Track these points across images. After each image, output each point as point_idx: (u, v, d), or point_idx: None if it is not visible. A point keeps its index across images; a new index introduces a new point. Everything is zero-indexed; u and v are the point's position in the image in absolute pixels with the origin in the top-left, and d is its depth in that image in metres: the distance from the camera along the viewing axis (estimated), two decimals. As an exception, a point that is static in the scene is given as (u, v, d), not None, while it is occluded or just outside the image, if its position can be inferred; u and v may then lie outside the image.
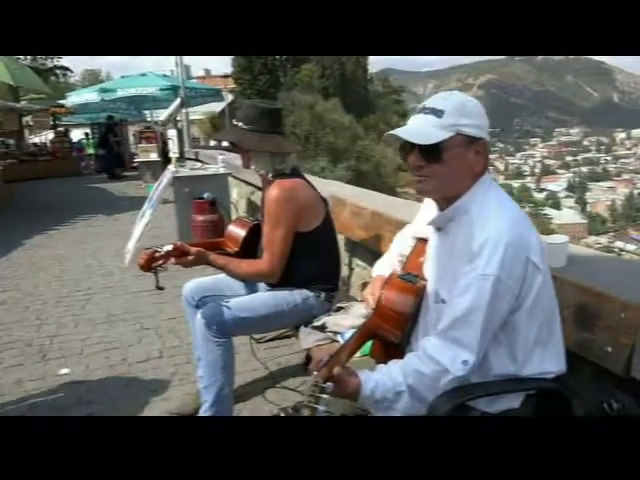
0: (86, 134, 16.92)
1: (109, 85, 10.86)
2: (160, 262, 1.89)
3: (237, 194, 5.90)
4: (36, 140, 18.65)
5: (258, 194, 5.29)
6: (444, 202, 1.22)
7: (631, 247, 46.98)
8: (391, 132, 1.18)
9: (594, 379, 1.39)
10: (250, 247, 2.22)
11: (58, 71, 25.04)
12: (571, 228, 53.08)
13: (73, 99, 11.65)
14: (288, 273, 2.02)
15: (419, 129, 1.15)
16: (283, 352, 2.87)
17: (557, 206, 69.95)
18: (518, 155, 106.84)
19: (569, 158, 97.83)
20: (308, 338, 1.99)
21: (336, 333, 1.97)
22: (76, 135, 17.75)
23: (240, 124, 1.98)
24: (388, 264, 1.55)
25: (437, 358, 1.13)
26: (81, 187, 11.34)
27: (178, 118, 9.26)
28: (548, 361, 1.18)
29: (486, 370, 1.17)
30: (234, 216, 5.05)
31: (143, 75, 11.54)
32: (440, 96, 1.19)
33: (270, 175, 2.01)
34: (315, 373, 1.12)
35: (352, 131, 24.04)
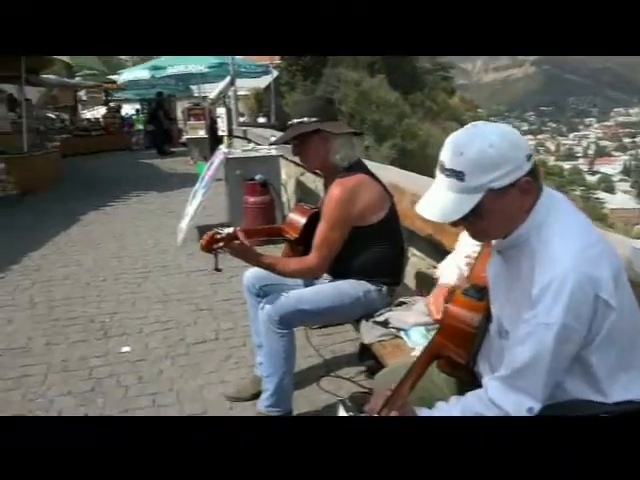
0: (137, 110, 17.30)
1: (159, 62, 10.96)
2: (221, 244, 1.89)
3: (286, 174, 5.89)
4: (88, 115, 19.20)
5: (308, 175, 5.27)
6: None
7: (690, 235, 44.48)
8: (420, 213, 1.07)
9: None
10: (309, 234, 2.20)
11: (110, 47, 25.50)
12: (624, 213, 50.68)
13: (125, 76, 11.88)
14: (350, 264, 1.99)
15: (444, 202, 1.04)
16: (336, 340, 2.87)
17: (611, 190, 66.81)
18: (571, 135, 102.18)
19: (626, 140, 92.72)
20: (370, 333, 1.97)
21: (399, 329, 1.94)
22: (126, 111, 18.17)
23: (305, 119, 1.93)
24: (454, 268, 1.48)
25: (500, 404, 1.07)
26: (132, 162, 11.66)
27: (228, 95, 9.28)
28: (636, 384, 1.09)
29: (561, 396, 1.10)
30: (284, 197, 5.06)
31: (192, 52, 11.59)
32: (455, 148, 1.04)
33: (341, 167, 1.97)
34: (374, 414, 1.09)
35: (398, 109, 23.49)
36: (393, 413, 1.09)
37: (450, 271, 1.48)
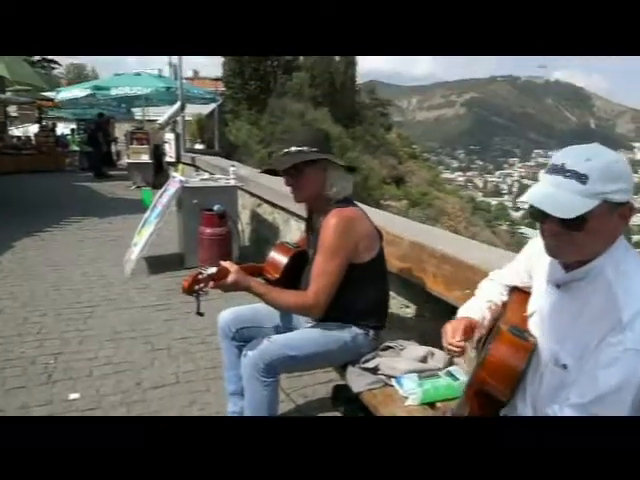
0: (72, 129, 16.50)
1: (103, 83, 10.60)
2: (202, 285, 1.75)
3: (241, 205, 5.75)
4: (17, 133, 18.09)
5: (265, 207, 5.17)
6: (575, 263, 1.13)
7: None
8: (532, 203, 1.07)
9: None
10: (291, 275, 2.10)
11: (45, 63, 24.46)
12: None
13: (63, 95, 11.33)
14: (337, 307, 1.90)
15: (561, 198, 1.04)
16: (306, 382, 2.73)
17: (533, 225, 71.22)
18: (497, 173, 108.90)
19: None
20: (359, 380, 1.88)
21: (390, 377, 1.86)
22: (60, 130, 17.29)
23: (305, 148, 1.85)
24: (477, 309, 1.45)
25: None
26: (67, 185, 11.01)
27: (176, 120, 9.08)
28: None
29: None
30: (240, 228, 4.91)
31: (137, 75, 11.31)
32: (581, 154, 1.07)
33: (334, 200, 1.90)
34: None
35: (341, 142, 24.03)
36: None
37: (472, 309, 1.45)
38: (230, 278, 1.78)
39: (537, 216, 1.10)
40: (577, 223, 1.05)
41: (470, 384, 1.25)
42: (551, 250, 1.13)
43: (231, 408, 2.14)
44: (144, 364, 2.92)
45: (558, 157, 1.09)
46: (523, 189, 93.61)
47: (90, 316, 3.59)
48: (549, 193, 1.07)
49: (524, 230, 64.71)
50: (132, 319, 3.55)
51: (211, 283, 1.76)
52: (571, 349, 1.11)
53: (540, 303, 1.24)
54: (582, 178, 1.04)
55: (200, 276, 1.74)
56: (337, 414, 2.45)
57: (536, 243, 1.36)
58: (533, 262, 1.33)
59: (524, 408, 1.21)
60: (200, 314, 1.77)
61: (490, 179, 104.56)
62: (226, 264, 1.81)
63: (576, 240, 1.07)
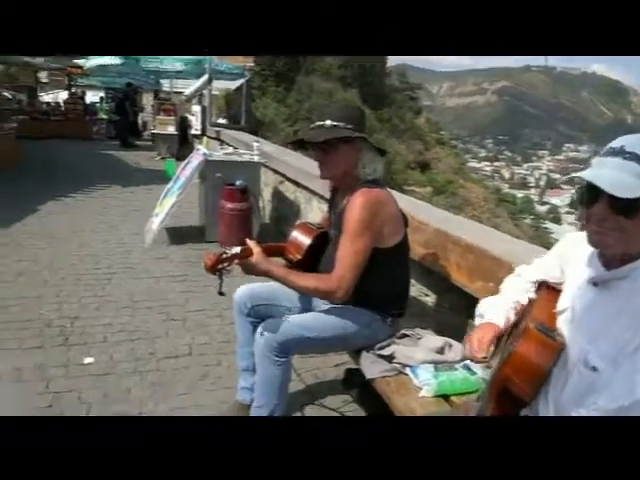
0: (101, 98, 16.61)
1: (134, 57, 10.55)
2: (226, 264, 1.72)
3: (263, 182, 5.72)
4: (47, 99, 18.29)
5: (287, 185, 5.12)
6: (617, 259, 1.06)
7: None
8: (589, 179, 1.01)
9: None
10: (313, 256, 2.06)
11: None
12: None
13: (94, 61, 11.35)
14: (357, 291, 1.84)
15: (620, 178, 0.98)
16: (317, 364, 2.71)
17: (558, 221, 70.01)
18: (525, 165, 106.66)
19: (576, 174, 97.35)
20: (373, 367, 1.84)
21: (405, 365, 1.82)
22: (89, 98, 17.42)
23: (341, 124, 1.78)
24: (502, 311, 1.38)
25: None
26: (93, 152, 11.12)
27: (203, 93, 9.03)
28: None
29: None
30: (261, 205, 4.88)
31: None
32: None
33: (363, 179, 1.84)
34: None
35: (369, 123, 23.78)
36: None
37: (497, 312, 1.38)
38: (252, 259, 1.74)
39: (586, 198, 1.03)
40: (630, 208, 0.98)
41: (493, 382, 1.19)
42: (595, 239, 1.06)
43: (242, 384, 2.13)
44: (158, 333, 2.93)
45: (616, 142, 1.04)
46: (551, 183, 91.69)
47: (108, 283, 3.62)
48: (606, 173, 1.00)
49: (548, 225, 63.55)
50: (149, 288, 3.57)
51: (235, 261, 1.73)
52: (604, 351, 1.05)
53: (573, 301, 1.17)
54: None
55: (224, 255, 1.71)
56: (347, 397, 2.43)
57: (571, 238, 1.29)
58: (567, 258, 1.26)
59: (545, 410, 1.15)
60: (221, 294, 1.74)
61: (517, 171, 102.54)
62: (250, 243, 1.78)
63: (625, 228, 1.01)
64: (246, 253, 1.73)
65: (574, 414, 1.06)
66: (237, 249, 1.72)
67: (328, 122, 1.78)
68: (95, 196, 6.59)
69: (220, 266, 1.69)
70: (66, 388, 2.35)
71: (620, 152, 1.01)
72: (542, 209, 76.26)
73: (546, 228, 59.86)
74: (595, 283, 1.12)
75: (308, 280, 1.82)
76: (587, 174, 1.02)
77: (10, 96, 13.99)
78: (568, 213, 75.48)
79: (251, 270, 1.77)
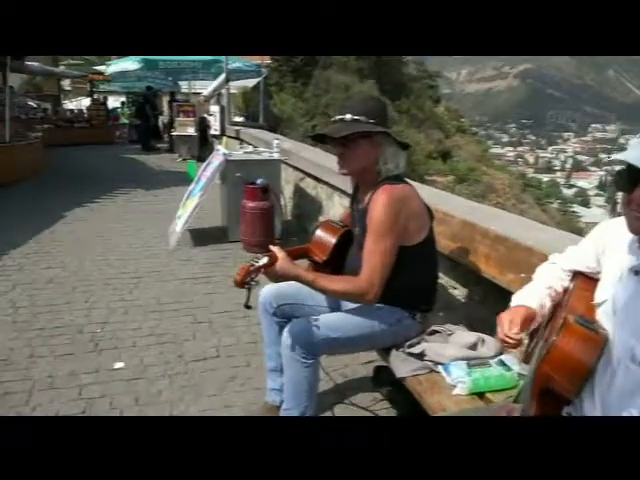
0: (122, 103, 16.84)
1: (151, 56, 10.64)
2: (254, 276, 1.68)
3: (284, 179, 5.70)
4: (71, 106, 18.64)
5: (308, 181, 5.08)
6: None
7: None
8: (630, 161, 0.94)
9: None
10: (338, 255, 2.02)
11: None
12: (600, 228, 51.61)
13: (114, 67, 11.50)
14: (385, 290, 1.79)
15: None
16: (345, 362, 2.68)
17: (586, 204, 68.26)
18: (550, 149, 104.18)
19: (603, 155, 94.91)
20: (403, 366, 1.79)
21: (437, 363, 1.77)
22: (111, 103, 17.68)
23: (362, 118, 1.73)
24: (536, 297, 1.32)
25: None
26: (116, 157, 11.29)
27: (221, 92, 9.05)
28: None
29: None
30: (283, 202, 4.86)
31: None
32: None
33: (384, 175, 1.79)
34: None
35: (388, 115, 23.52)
36: None
37: (531, 298, 1.31)
38: (278, 266, 1.70)
39: (626, 182, 0.97)
40: None
41: (534, 380, 1.13)
42: (636, 225, 0.99)
43: (270, 385, 2.11)
44: (186, 336, 2.94)
45: None
46: (578, 165, 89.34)
47: (136, 287, 3.66)
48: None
49: (576, 209, 61.96)
50: (175, 291, 3.59)
51: (262, 270, 1.70)
52: None
53: (613, 291, 1.10)
54: None
55: (252, 268, 1.67)
56: (377, 395, 2.39)
57: (607, 226, 1.22)
58: (603, 246, 1.19)
59: (592, 408, 1.09)
60: (248, 307, 1.69)
61: (542, 155, 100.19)
62: (275, 249, 1.74)
63: None
64: (272, 260, 1.69)
65: (625, 414, 0.99)
66: (264, 259, 1.68)
67: (348, 116, 1.74)
68: (119, 200, 6.68)
69: (248, 279, 1.66)
70: (98, 394, 2.37)
71: None
72: (569, 192, 74.33)
73: (574, 212, 58.39)
74: (637, 272, 1.05)
75: (337, 284, 1.78)
76: (628, 155, 0.95)
77: (35, 105, 14.33)
78: (597, 195, 73.54)
79: (279, 277, 1.74)
